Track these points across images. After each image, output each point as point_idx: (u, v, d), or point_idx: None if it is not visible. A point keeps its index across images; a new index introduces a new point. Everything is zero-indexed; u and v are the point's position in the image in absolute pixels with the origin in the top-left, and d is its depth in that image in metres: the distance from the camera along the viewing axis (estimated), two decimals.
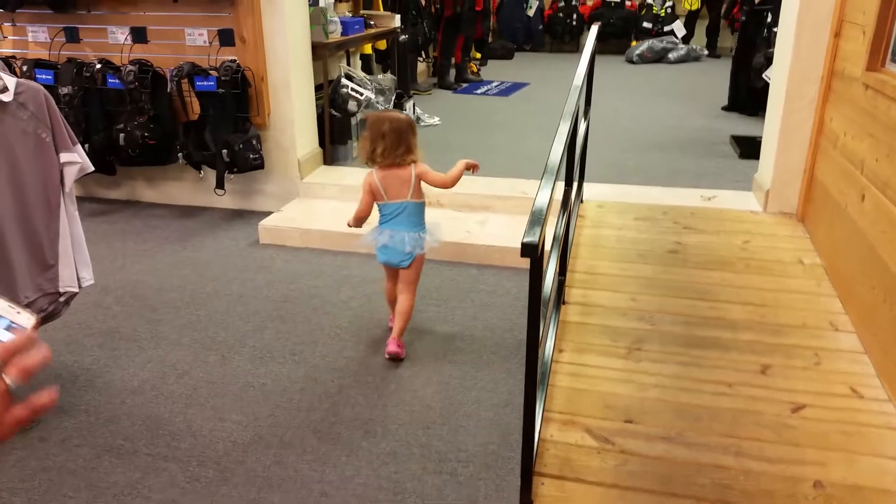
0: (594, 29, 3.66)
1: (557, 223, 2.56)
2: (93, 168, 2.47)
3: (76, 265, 2.45)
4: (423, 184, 2.79)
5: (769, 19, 5.62)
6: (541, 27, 10.68)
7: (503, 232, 3.88)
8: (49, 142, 2.24)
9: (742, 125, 5.88)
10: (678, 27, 10.08)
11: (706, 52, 9.83)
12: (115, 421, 2.52)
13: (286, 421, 2.49)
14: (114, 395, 2.67)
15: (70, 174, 2.34)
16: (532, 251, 1.58)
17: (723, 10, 8.69)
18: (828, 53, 3.47)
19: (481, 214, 4.17)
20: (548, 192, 1.82)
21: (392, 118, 2.72)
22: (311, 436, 2.41)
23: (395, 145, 2.67)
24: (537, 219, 1.67)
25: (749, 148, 4.81)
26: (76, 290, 2.46)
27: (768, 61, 4.97)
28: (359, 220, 2.84)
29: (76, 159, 2.33)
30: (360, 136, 2.82)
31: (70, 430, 2.47)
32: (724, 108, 6.56)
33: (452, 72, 8.19)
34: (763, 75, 5.22)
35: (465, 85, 8.05)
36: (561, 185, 3.00)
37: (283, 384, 2.70)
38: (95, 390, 2.70)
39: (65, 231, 2.37)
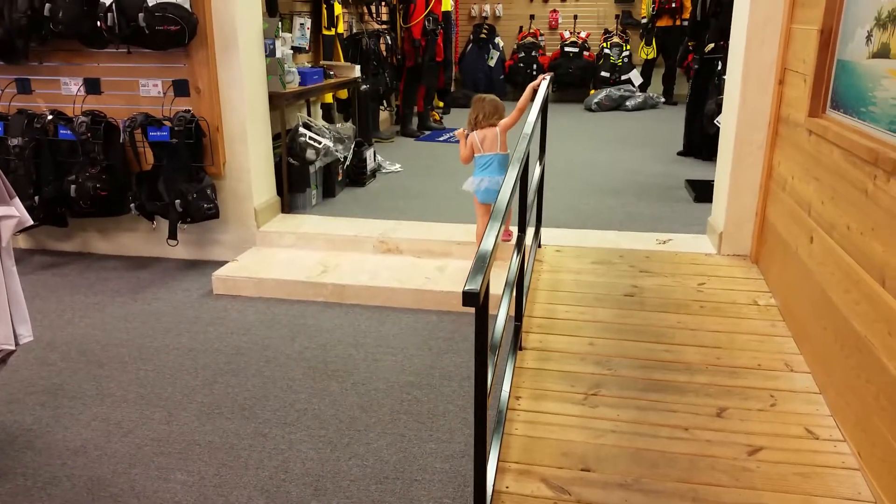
0: (545, 81, 3.72)
1: (510, 268, 2.55)
2: (31, 222, 2.40)
3: (13, 322, 2.35)
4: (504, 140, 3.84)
5: (719, 67, 5.78)
6: (502, 77, 10.88)
7: (462, 278, 3.84)
8: None
9: (697, 170, 5.99)
10: (635, 76, 10.34)
11: (663, 99, 10.07)
12: (55, 484, 2.40)
13: (233, 480, 2.39)
14: (54, 457, 2.55)
15: (6, 228, 2.26)
16: (474, 300, 1.56)
17: (677, 59, 8.94)
18: (773, 100, 3.57)
19: (441, 260, 4.15)
20: (493, 239, 1.81)
21: (489, 97, 3.93)
22: (259, 495, 2.31)
23: (492, 113, 3.84)
24: (480, 266, 1.65)
25: (703, 192, 4.90)
26: (12, 347, 2.36)
27: (719, 108, 5.09)
28: (465, 161, 3.95)
29: (13, 213, 2.26)
30: (469, 115, 3.94)
31: (4, 495, 2.34)
32: (680, 154, 6.69)
33: (415, 120, 8.27)
34: (715, 121, 5.34)
35: (427, 133, 8.12)
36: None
37: (231, 441, 2.60)
38: (35, 451, 2.58)
39: (0, 287, 2.28)
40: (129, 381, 3.06)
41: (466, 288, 1.55)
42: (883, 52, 2.32)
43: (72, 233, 4.59)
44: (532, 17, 11.11)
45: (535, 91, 3.71)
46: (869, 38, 2.44)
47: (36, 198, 4.16)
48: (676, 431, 2.39)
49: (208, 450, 2.56)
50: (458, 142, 3.96)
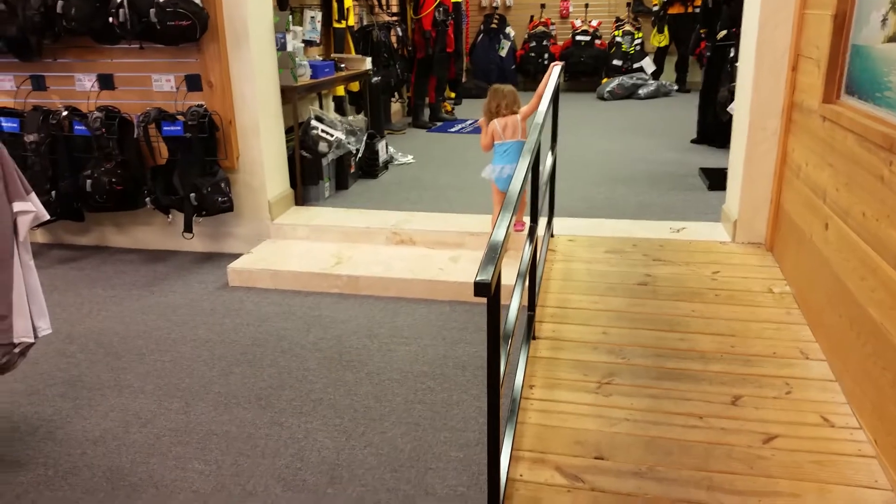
0: (556, 70, 3.70)
1: (522, 258, 2.55)
2: (48, 216, 2.43)
3: (32, 315, 2.38)
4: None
5: (732, 54, 5.73)
6: (513, 67, 10.83)
7: (475, 268, 3.86)
8: (1, 191, 2.20)
9: (711, 157, 5.95)
10: (647, 64, 10.26)
11: (675, 87, 9.99)
12: (75, 473, 2.44)
13: (250, 469, 2.42)
14: (74, 447, 2.59)
15: (24, 223, 2.29)
16: (485, 290, 1.56)
17: (690, 46, 8.87)
18: (787, 86, 3.54)
19: (454, 251, 4.16)
20: (504, 229, 1.82)
21: (507, 87, 4.00)
22: (276, 483, 2.34)
23: (512, 103, 3.92)
24: (491, 257, 1.66)
25: (717, 179, 4.86)
26: (32, 340, 2.39)
27: (732, 95, 5.05)
28: (486, 148, 4.03)
29: (30, 208, 2.29)
30: (485, 103, 4.00)
31: (26, 484, 2.39)
32: (694, 141, 6.65)
33: (427, 111, 8.26)
34: (728, 109, 5.30)
35: (439, 124, 8.11)
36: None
37: (248, 430, 2.63)
38: (55, 442, 2.62)
39: (19, 281, 2.31)
40: (146, 372, 3.10)
41: (478, 278, 1.56)
42: None
43: (88, 227, 4.64)
44: (543, 6, 11.04)
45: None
46: (884, 21, 2.41)
47: (52, 193, 4.22)
48: (691, 419, 2.39)
49: (225, 439, 2.59)
50: (471, 132, 3.99)
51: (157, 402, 2.86)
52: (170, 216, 4.35)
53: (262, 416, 2.73)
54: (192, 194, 4.10)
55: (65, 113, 4.21)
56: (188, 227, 4.20)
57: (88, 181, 4.14)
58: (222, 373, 3.06)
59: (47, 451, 2.56)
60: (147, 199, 4.26)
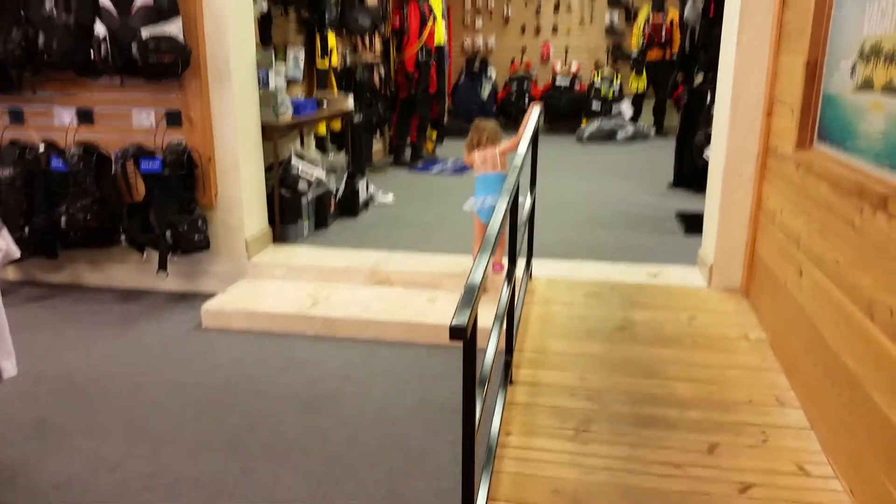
0: (536, 111, 3.74)
1: (500, 301, 2.54)
2: (18, 255, 2.39)
3: None
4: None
5: (709, 100, 5.84)
6: (495, 108, 10.97)
7: (453, 310, 3.84)
8: None
9: (688, 201, 6.01)
10: (626, 107, 10.43)
11: (654, 130, 10.16)
12: None
13: None
14: (37, 494, 2.50)
15: None
16: (461, 334, 1.55)
17: (667, 91, 9.05)
18: (762, 132, 3.60)
19: (432, 292, 4.14)
20: (481, 271, 1.81)
21: (489, 124, 4.19)
22: None
23: (493, 137, 4.10)
24: (468, 300, 1.64)
25: (693, 224, 4.91)
26: None
27: (708, 139, 5.13)
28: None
29: (0, 245, 2.26)
30: (468, 138, 4.18)
31: None
32: (671, 185, 6.73)
33: (408, 151, 8.31)
34: (704, 155, 5.37)
35: (420, 163, 8.16)
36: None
37: (218, 476, 2.56)
38: (17, 489, 2.53)
39: None
40: (116, 415, 3.02)
41: (453, 323, 1.54)
42: (867, 85, 2.35)
43: (62, 264, 4.56)
44: (524, 49, 11.24)
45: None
46: (853, 70, 2.47)
47: (26, 229, 4.15)
48: (668, 468, 2.36)
49: (195, 486, 2.52)
50: (452, 172, 4.00)
51: (126, 447, 2.78)
52: (145, 254, 4.29)
53: (233, 461, 2.66)
54: (168, 232, 4.06)
55: (42, 148, 4.17)
56: (163, 266, 4.15)
57: (63, 217, 4.09)
58: (193, 417, 2.99)
59: (8, 499, 2.47)
60: (122, 237, 4.21)
